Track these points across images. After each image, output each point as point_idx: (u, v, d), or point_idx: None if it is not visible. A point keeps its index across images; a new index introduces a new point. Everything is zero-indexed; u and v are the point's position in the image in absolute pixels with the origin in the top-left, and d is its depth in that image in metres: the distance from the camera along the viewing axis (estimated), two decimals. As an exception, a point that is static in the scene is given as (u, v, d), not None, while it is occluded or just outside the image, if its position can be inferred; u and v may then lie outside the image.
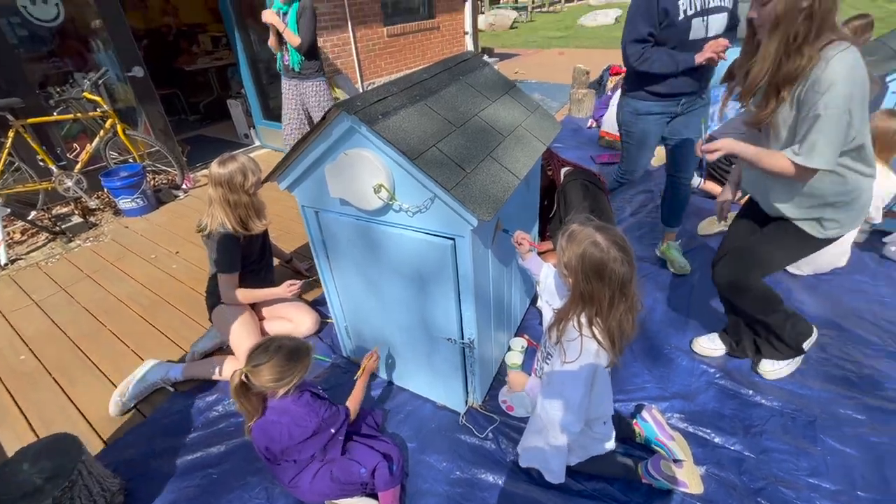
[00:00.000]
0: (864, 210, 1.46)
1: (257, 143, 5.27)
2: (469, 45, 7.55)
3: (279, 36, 3.22)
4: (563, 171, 2.45)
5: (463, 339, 1.55)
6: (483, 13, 16.89)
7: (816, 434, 1.61)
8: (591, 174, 2.44)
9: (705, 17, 1.85)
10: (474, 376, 1.66)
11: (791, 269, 2.43)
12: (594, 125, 4.78)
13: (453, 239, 1.34)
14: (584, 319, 1.15)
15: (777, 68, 1.27)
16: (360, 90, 5.75)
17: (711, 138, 1.49)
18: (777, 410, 1.71)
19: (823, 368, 1.86)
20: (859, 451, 1.55)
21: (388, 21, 6.12)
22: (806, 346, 1.75)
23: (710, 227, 2.86)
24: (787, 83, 1.27)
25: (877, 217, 2.29)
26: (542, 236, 2.65)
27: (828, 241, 1.52)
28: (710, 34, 1.89)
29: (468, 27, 7.41)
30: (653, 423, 1.59)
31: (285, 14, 3.14)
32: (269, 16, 3.15)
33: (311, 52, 3.28)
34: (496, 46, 10.94)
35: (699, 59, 1.86)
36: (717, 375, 1.85)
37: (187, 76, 6.27)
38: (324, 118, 1.28)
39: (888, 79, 2.35)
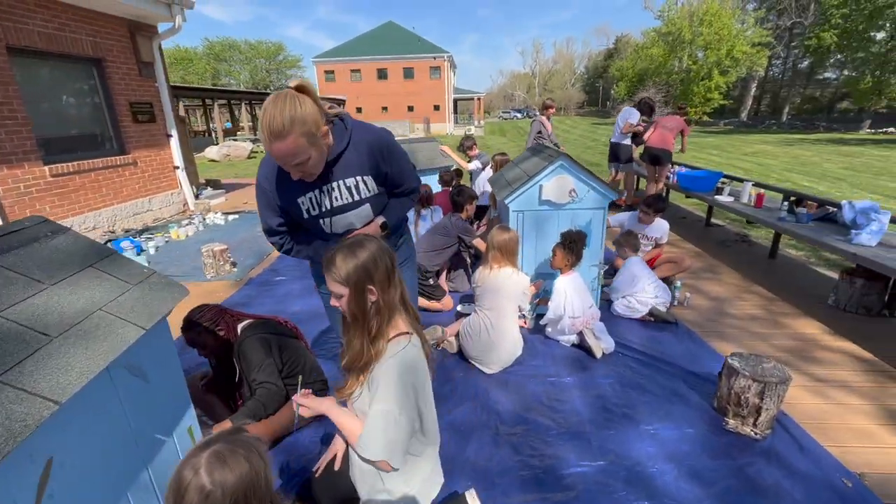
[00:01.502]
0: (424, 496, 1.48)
1: None
2: (182, 179, 6.93)
3: None
4: (240, 326, 2.11)
5: None
6: (217, 144, 16.54)
7: (521, 565, 1.54)
8: (273, 323, 2.17)
9: (329, 219, 1.64)
10: None
11: (482, 368, 2.63)
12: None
13: None
14: None
15: (361, 356, 1.32)
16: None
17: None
18: (487, 549, 1.60)
19: (520, 475, 1.91)
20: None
21: (52, 158, 5.03)
22: None
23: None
24: (365, 369, 1.34)
25: (525, 305, 2.72)
26: (234, 406, 2.17)
27: None
28: (358, 226, 1.68)
29: (178, 161, 6.84)
30: None
31: None
32: None
33: None
34: (228, 177, 10.55)
35: None
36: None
37: None
38: None
39: (506, 201, 3.02)
